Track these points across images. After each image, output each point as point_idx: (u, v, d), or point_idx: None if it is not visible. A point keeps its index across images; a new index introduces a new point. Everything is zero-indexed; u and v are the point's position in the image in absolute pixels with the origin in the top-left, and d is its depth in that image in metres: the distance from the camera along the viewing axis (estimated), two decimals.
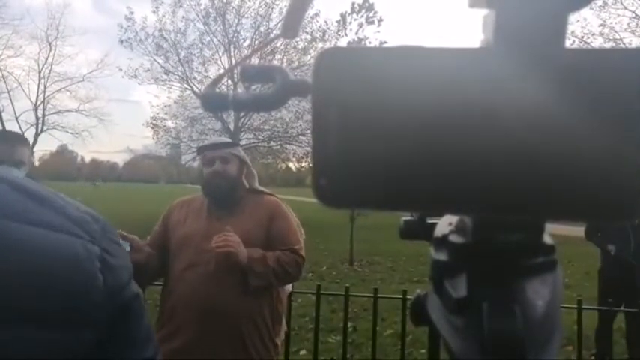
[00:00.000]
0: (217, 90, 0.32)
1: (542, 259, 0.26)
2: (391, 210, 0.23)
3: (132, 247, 1.71)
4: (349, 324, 3.11)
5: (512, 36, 0.22)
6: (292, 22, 0.35)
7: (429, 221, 0.33)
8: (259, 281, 1.76)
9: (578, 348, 2.51)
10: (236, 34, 15.21)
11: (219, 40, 15.29)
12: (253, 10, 15.00)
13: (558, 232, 7.39)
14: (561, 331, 0.26)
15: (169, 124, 16.37)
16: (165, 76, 15.46)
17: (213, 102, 0.32)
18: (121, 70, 16.07)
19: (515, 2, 0.23)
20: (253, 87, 3.19)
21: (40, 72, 21.98)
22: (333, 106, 0.23)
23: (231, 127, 14.09)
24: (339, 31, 13.74)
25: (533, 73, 0.21)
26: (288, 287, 2.11)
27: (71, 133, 23.06)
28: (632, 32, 13.05)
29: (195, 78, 15.18)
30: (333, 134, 0.23)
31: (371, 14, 12.78)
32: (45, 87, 21.92)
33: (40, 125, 21.04)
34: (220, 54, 15.46)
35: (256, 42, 14.91)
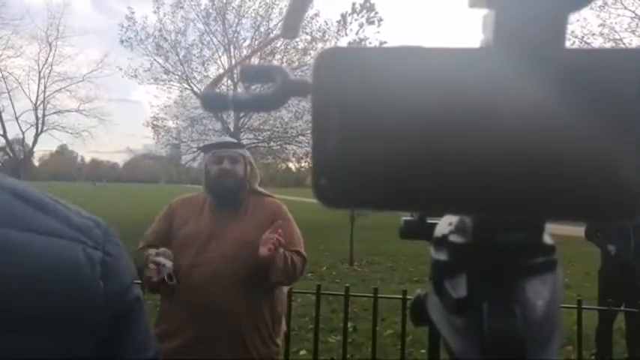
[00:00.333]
0: (217, 90, 0.32)
1: (542, 259, 0.26)
2: (391, 210, 0.23)
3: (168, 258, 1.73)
4: (349, 324, 3.11)
5: (512, 36, 0.22)
6: (292, 22, 0.35)
7: (429, 221, 0.33)
8: (279, 277, 1.78)
9: (578, 348, 2.51)
10: (236, 34, 15.21)
11: (219, 40, 15.29)
12: (253, 10, 15.00)
13: (558, 232, 7.37)
14: (561, 331, 0.26)
15: (170, 124, 16.39)
16: (165, 76, 15.45)
17: (213, 102, 0.32)
18: (121, 70, 16.06)
19: (515, 2, 0.23)
20: (253, 87, 3.19)
21: (40, 72, 21.98)
22: (333, 106, 0.23)
23: (231, 127, 14.08)
24: (339, 31, 13.73)
25: (533, 73, 0.21)
26: (286, 287, 2.12)
27: (71, 133, 23.07)
28: (633, 32, 13.05)
29: (195, 78, 15.19)
30: (333, 134, 0.23)
31: (371, 14, 12.76)
32: (45, 87, 21.92)
33: (40, 125, 21.03)
34: (220, 54, 15.46)
35: (256, 42, 14.90)
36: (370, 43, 11.66)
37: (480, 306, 0.24)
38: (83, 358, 0.51)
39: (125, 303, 0.56)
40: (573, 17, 0.27)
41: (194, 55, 15.28)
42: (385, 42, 9.84)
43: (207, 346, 1.73)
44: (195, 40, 15.26)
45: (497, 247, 0.26)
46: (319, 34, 14.30)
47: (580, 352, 2.51)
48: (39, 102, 21.45)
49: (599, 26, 13.16)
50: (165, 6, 15.01)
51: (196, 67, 15.32)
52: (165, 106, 16.38)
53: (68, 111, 22.66)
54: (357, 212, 7.85)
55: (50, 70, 22.09)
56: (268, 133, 15.12)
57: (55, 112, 22.05)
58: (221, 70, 15.17)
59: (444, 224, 0.30)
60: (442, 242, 0.28)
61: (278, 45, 13.95)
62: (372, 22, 12.84)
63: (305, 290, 3.05)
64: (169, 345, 1.74)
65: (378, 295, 2.59)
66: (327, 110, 0.23)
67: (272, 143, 15.29)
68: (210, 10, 14.91)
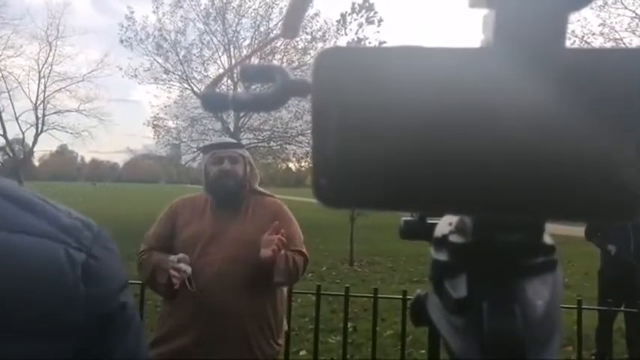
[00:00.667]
0: (217, 90, 0.32)
1: (542, 259, 0.26)
2: (391, 210, 0.23)
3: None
4: (349, 324, 3.11)
5: (512, 36, 0.22)
6: (292, 22, 0.34)
7: (429, 221, 0.33)
8: (281, 278, 1.78)
9: (578, 348, 2.51)
10: (236, 34, 15.21)
11: (219, 40, 15.29)
12: (253, 9, 15.01)
13: (558, 232, 7.38)
14: (561, 331, 0.26)
15: (170, 124, 16.39)
16: (165, 76, 15.46)
17: (213, 102, 0.32)
18: (121, 69, 16.06)
19: (515, 2, 0.23)
20: (253, 87, 3.19)
21: (40, 72, 21.95)
22: (333, 106, 0.23)
23: (231, 127, 14.08)
24: (339, 31, 13.74)
25: (534, 73, 0.21)
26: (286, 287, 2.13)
27: (71, 133, 23.05)
28: (633, 32, 13.05)
29: (195, 78, 15.19)
30: (333, 134, 0.23)
31: (371, 14, 12.76)
32: (45, 87, 21.89)
33: (40, 125, 21.01)
34: (220, 54, 15.46)
35: (256, 42, 14.90)
36: (370, 42, 11.65)
37: (480, 306, 0.24)
38: None
39: (109, 309, 0.54)
40: (573, 17, 0.27)
41: (194, 54, 15.30)
42: (385, 42, 9.84)
43: (211, 347, 1.73)
44: (195, 39, 15.29)
45: (498, 247, 0.26)
46: (319, 34, 14.32)
47: (580, 352, 2.51)
48: (39, 102, 21.44)
49: (599, 26, 13.16)
50: (165, 5, 15.03)
51: (196, 67, 15.35)
52: (166, 106, 16.41)
53: (68, 111, 22.66)
54: (357, 212, 7.84)
55: (50, 70, 22.08)
56: (268, 133, 15.12)
57: (55, 112, 22.05)
58: (221, 70, 15.17)
59: (444, 224, 0.29)
60: (442, 242, 0.28)
61: (278, 45, 13.96)
62: (372, 22, 12.85)
63: (305, 290, 3.05)
64: (171, 346, 1.75)
65: (378, 296, 2.59)
66: (327, 110, 0.23)
67: (272, 143, 15.29)
68: (210, 10, 14.93)
